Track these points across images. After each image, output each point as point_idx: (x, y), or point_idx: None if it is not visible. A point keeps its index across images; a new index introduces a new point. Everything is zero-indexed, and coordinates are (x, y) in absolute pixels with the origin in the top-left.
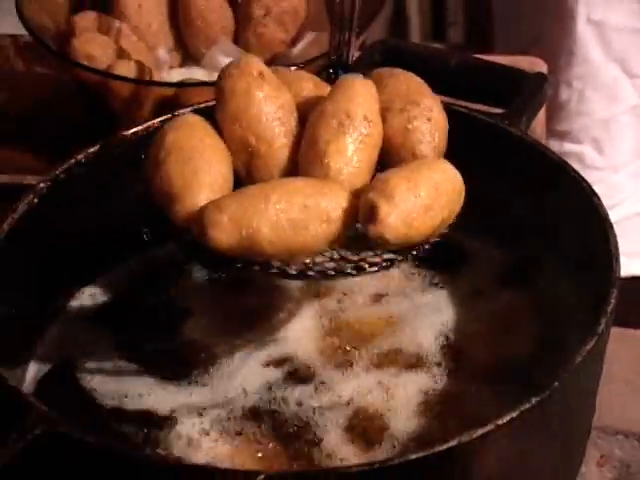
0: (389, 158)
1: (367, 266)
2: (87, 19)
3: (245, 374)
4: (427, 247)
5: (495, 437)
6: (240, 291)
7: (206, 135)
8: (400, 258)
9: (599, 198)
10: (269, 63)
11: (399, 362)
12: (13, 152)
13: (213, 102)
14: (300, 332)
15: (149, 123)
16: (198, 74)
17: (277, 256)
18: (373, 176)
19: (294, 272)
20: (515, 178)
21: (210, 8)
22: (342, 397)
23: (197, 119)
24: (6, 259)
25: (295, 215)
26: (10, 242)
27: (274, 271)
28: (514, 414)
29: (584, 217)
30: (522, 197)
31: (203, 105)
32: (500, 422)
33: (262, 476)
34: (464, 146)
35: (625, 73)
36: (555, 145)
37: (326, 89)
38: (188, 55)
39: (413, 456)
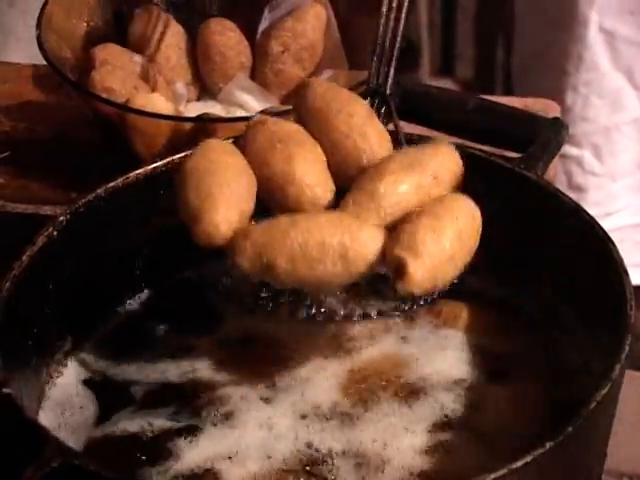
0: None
1: (373, 314)
2: (106, 52)
3: (272, 422)
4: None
5: None
6: (260, 343)
7: (224, 154)
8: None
9: (614, 243)
10: (286, 100)
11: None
12: (29, 182)
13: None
14: (325, 379)
15: (169, 159)
16: (215, 109)
17: (295, 286)
18: None
19: (304, 315)
20: (530, 222)
21: (228, 44)
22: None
23: (219, 142)
24: (25, 291)
25: (311, 251)
26: (30, 274)
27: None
28: (528, 459)
29: (598, 261)
30: (537, 241)
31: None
32: (514, 466)
33: None
34: (480, 189)
35: (631, 84)
36: None
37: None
38: (205, 89)
39: None
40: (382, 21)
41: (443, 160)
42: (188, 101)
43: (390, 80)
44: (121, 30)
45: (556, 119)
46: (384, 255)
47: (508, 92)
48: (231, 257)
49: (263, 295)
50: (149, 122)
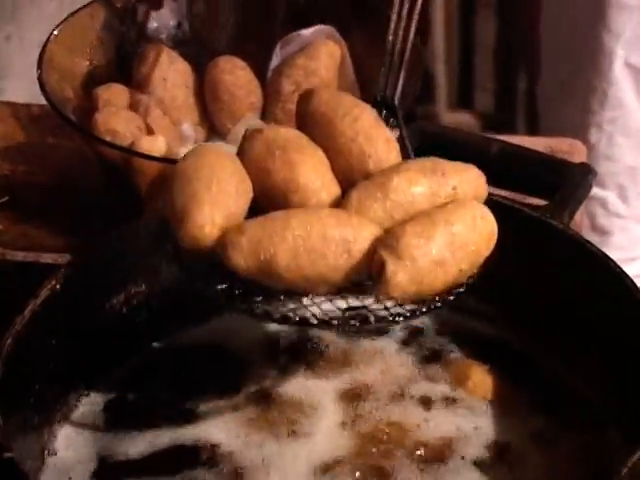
0: None
1: (372, 319)
2: (110, 92)
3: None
4: (450, 299)
5: None
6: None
7: (216, 156)
8: (408, 314)
9: None
10: None
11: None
12: (29, 227)
13: None
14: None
15: None
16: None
17: (295, 284)
18: None
19: (297, 318)
20: (556, 273)
21: (238, 83)
22: None
23: (214, 145)
24: (27, 347)
25: (314, 244)
26: (32, 329)
27: (276, 317)
28: None
29: (626, 313)
30: (563, 292)
31: None
32: None
33: None
34: (504, 238)
35: None
36: None
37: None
38: (213, 130)
39: None
40: (391, 29)
41: (469, 177)
42: (195, 143)
43: (398, 90)
44: (125, 69)
45: (583, 165)
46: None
47: (531, 126)
48: (223, 257)
49: (257, 299)
50: (155, 166)
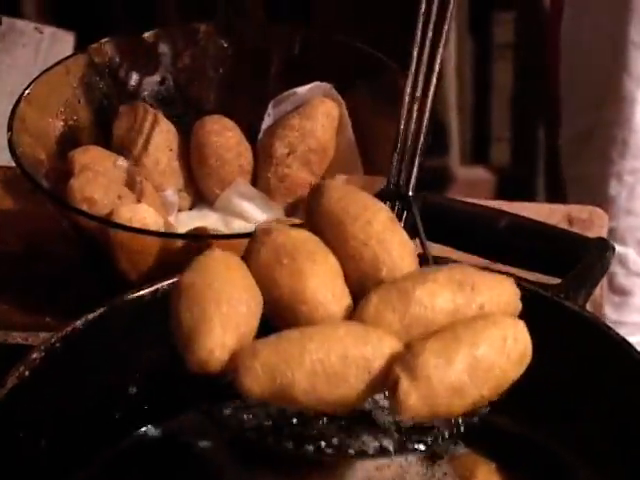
0: None
1: (391, 447)
2: (87, 156)
3: None
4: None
5: None
6: None
7: (225, 268)
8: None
9: None
10: (292, 209)
11: None
12: None
13: None
14: None
15: (157, 285)
16: (211, 218)
17: (311, 407)
18: None
19: (310, 449)
20: (570, 359)
21: (226, 145)
22: None
23: (221, 254)
24: None
25: (334, 367)
26: None
27: (289, 447)
28: None
29: None
30: (576, 380)
31: None
32: None
33: None
34: None
35: None
36: None
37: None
38: (200, 197)
39: None
40: (404, 111)
41: (501, 295)
42: (180, 210)
43: (413, 180)
44: (103, 130)
45: (601, 240)
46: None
47: (551, 180)
48: (234, 381)
49: (267, 424)
50: (135, 238)
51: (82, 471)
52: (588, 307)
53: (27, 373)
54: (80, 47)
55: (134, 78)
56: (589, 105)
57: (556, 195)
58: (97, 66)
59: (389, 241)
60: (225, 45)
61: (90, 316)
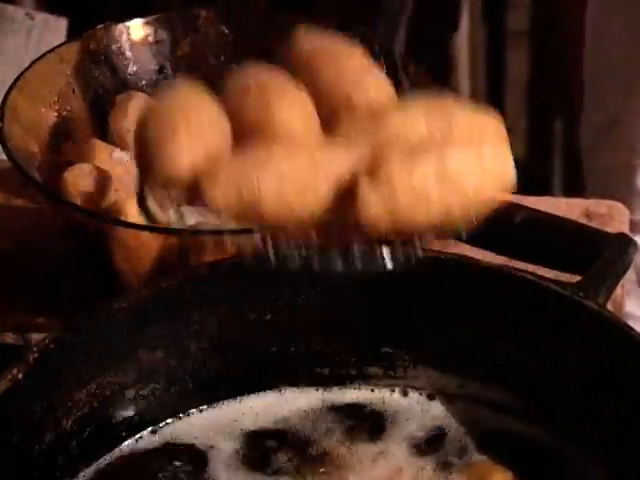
0: None
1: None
2: (82, 148)
3: None
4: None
5: None
6: None
7: (197, 96)
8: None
9: None
10: None
11: None
12: None
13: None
14: None
15: (155, 286)
16: (210, 214)
17: (278, 219)
18: None
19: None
20: (589, 362)
21: None
22: None
23: (191, 84)
24: None
25: (301, 174)
26: None
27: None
28: None
29: None
30: (596, 383)
31: None
32: None
33: None
34: (529, 319)
35: None
36: None
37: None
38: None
39: None
40: None
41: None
42: (178, 204)
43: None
44: (99, 120)
45: (622, 235)
46: None
47: (569, 173)
48: (202, 193)
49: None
50: (133, 233)
51: (78, 475)
52: (609, 306)
53: (20, 376)
54: (73, 34)
55: (131, 66)
56: (615, 92)
57: (574, 189)
58: (92, 54)
59: (364, 76)
60: (226, 32)
61: (84, 316)
